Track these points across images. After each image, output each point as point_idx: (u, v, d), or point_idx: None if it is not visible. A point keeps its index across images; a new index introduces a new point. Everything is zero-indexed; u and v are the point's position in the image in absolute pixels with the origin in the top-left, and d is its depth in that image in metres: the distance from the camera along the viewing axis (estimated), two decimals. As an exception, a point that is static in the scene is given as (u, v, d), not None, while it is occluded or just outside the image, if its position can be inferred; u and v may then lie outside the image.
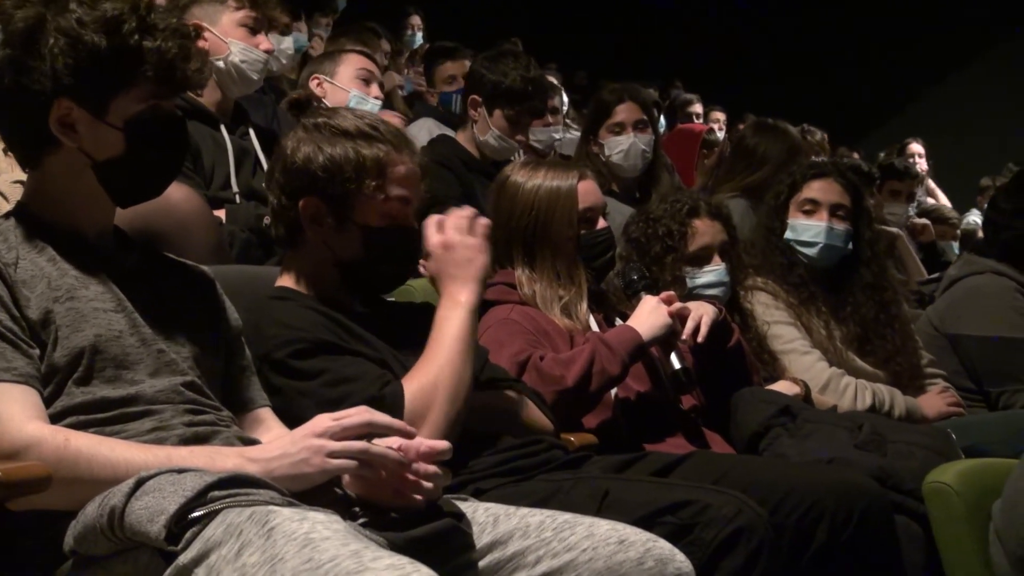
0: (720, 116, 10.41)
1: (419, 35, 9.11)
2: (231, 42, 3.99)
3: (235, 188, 3.85)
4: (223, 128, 3.96)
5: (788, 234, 4.10)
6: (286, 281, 2.78)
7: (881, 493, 2.86)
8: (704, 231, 3.80)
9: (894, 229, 7.04)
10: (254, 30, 4.03)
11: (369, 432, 2.09)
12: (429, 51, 7.64)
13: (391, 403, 2.50)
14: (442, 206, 4.46)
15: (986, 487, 2.74)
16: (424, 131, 5.94)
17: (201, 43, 3.91)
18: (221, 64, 3.98)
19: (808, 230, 4.08)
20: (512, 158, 4.84)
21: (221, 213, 3.74)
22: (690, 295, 3.66)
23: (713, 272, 3.77)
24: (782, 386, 3.65)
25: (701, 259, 3.78)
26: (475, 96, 4.88)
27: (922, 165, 9.82)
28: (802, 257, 4.09)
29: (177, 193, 3.21)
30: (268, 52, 4.08)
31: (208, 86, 3.95)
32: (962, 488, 2.73)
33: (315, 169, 2.67)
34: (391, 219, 2.70)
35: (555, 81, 7.88)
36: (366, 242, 2.69)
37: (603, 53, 12.60)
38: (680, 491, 2.45)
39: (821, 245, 4.07)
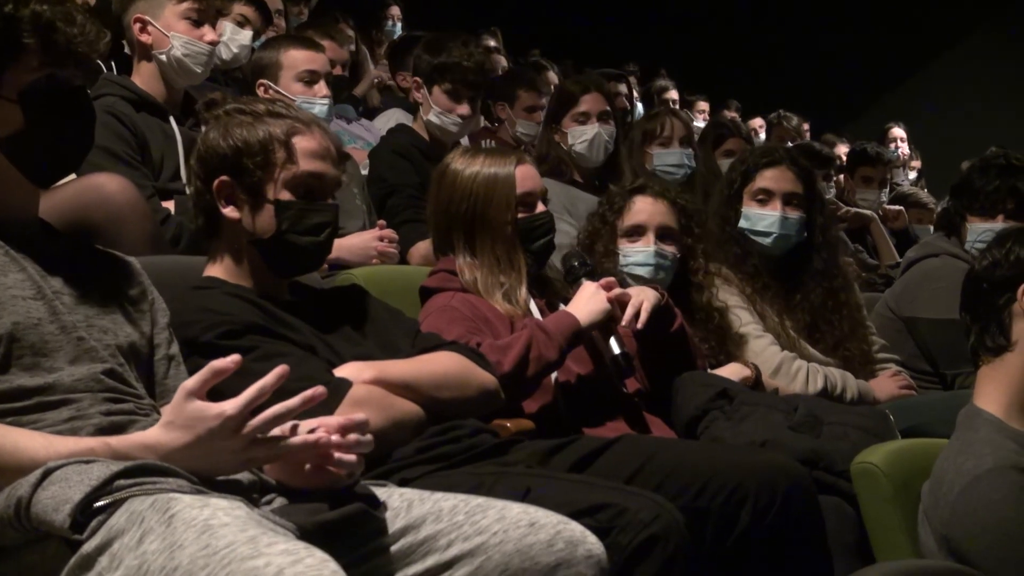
0: (704, 105, 10.41)
1: (399, 26, 9.08)
2: (172, 35, 3.98)
3: (185, 179, 3.82)
4: (172, 119, 3.96)
5: (743, 223, 4.09)
6: (213, 271, 2.80)
7: (806, 475, 2.85)
8: (642, 208, 3.83)
9: (868, 212, 7.05)
10: (198, 22, 4.01)
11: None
12: (400, 41, 7.63)
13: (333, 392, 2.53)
14: (399, 194, 4.59)
15: (915, 468, 2.74)
16: (392, 122, 5.93)
17: (144, 37, 3.95)
18: (164, 58, 3.99)
19: (762, 220, 4.08)
20: (457, 131, 4.90)
21: (170, 204, 3.74)
22: (619, 271, 3.71)
23: (642, 252, 3.79)
24: (733, 369, 3.65)
25: (633, 235, 3.80)
26: (416, 78, 4.91)
27: (904, 149, 9.82)
28: (758, 246, 4.09)
29: (111, 184, 3.23)
30: (213, 44, 4.06)
31: (154, 77, 3.98)
32: (890, 469, 2.72)
33: (224, 149, 2.71)
34: (302, 191, 2.72)
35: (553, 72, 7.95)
36: (277, 214, 2.71)
37: (586, 42, 12.58)
38: (599, 493, 2.44)
39: (776, 235, 4.08)
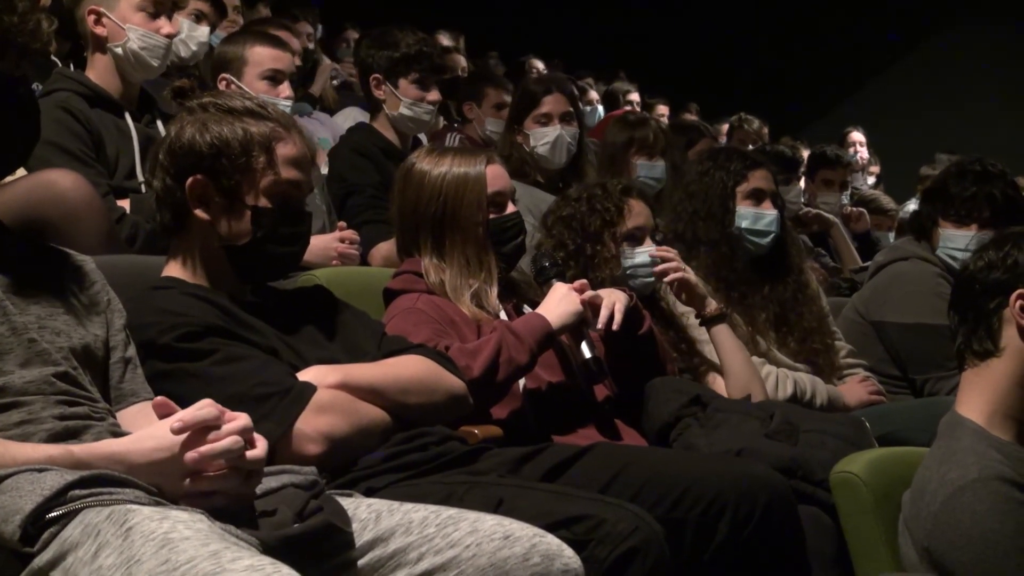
0: (664, 109, 10.39)
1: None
2: (128, 27, 3.85)
3: (140, 177, 3.73)
4: (128, 116, 3.85)
5: (743, 223, 4.04)
6: (172, 270, 2.70)
7: (785, 485, 2.78)
8: (639, 211, 3.77)
9: (830, 216, 7.03)
10: (155, 14, 3.88)
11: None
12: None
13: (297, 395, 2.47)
14: (359, 194, 4.51)
15: (896, 477, 2.67)
16: (350, 120, 5.88)
17: (99, 29, 3.84)
18: (119, 51, 3.86)
19: (762, 219, 4.05)
20: (429, 119, 4.84)
21: (126, 203, 3.63)
22: (624, 274, 3.65)
23: (647, 256, 3.73)
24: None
25: (635, 239, 3.74)
26: (375, 76, 4.83)
27: (863, 154, 9.82)
28: (750, 246, 4.05)
29: (65, 181, 3.14)
30: (170, 36, 3.94)
31: (108, 72, 3.87)
32: (870, 478, 2.66)
33: (201, 147, 2.59)
34: (280, 199, 2.63)
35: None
36: (255, 222, 2.61)
37: (547, 44, 12.53)
38: (576, 504, 2.37)
39: (774, 233, 4.05)
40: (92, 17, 3.86)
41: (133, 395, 2.36)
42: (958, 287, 2.73)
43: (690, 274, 3.69)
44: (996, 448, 2.53)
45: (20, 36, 2.17)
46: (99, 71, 3.89)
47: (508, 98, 6.11)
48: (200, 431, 1.95)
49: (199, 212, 2.61)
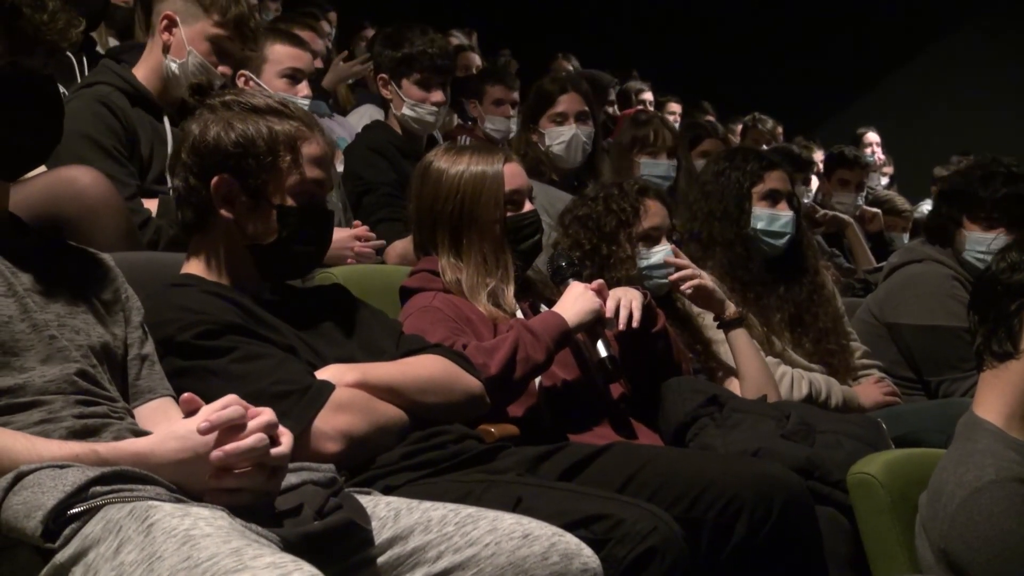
0: (676, 107, 10.38)
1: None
2: (191, 51, 3.81)
3: (171, 182, 3.71)
4: (166, 118, 3.83)
5: (758, 224, 4.04)
6: (192, 267, 2.70)
7: (802, 486, 2.78)
8: (656, 211, 3.78)
9: (846, 216, 7.03)
10: (219, 52, 3.85)
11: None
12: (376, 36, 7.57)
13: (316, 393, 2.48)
14: (374, 192, 4.51)
15: (913, 478, 2.68)
16: (365, 118, 5.86)
17: (165, 35, 3.82)
18: (174, 67, 3.82)
19: (777, 220, 4.05)
20: (434, 120, 4.82)
21: (153, 204, 3.62)
22: (639, 274, 3.66)
23: (664, 254, 3.73)
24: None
25: (651, 239, 3.75)
26: (382, 75, 4.83)
27: (879, 154, 9.82)
28: (765, 247, 4.05)
29: (85, 177, 3.13)
30: (224, 75, 3.90)
31: (155, 74, 3.85)
32: (887, 479, 2.66)
33: (227, 146, 2.58)
34: (306, 198, 2.63)
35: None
36: (280, 221, 2.61)
37: (560, 42, 12.53)
38: (594, 503, 2.37)
39: (789, 235, 4.06)
40: (165, 22, 3.83)
41: (150, 392, 2.36)
42: (979, 288, 2.73)
43: (706, 279, 3.69)
44: (1014, 449, 2.54)
45: (49, 35, 2.18)
46: (148, 69, 3.85)
47: (513, 94, 6.10)
48: (226, 429, 1.95)
49: (224, 211, 2.61)
